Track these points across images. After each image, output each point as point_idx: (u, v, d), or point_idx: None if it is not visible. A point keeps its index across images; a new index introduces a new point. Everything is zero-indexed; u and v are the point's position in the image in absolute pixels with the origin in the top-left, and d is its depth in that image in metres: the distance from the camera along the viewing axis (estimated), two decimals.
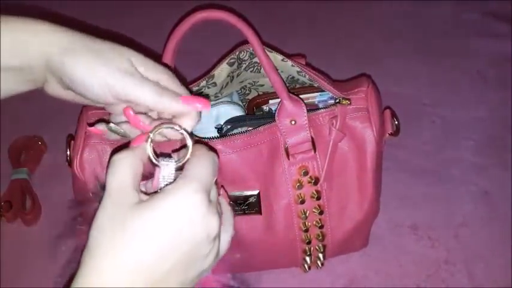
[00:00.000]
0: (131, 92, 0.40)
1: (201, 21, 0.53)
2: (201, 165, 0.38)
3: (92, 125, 0.44)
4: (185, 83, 0.46)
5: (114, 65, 0.40)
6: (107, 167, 0.38)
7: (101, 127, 0.44)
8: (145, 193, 0.39)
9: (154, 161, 0.39)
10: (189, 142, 0.40)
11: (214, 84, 0.61)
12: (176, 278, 0.36)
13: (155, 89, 0.40)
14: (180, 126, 0.41)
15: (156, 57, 0.45)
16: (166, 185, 0.38)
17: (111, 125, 0.43)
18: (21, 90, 0.42)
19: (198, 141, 0.42)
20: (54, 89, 0.43)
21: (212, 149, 0.41)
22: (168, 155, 0.41)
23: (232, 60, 0.59)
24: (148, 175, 0.40)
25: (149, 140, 0.39)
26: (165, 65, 0.46)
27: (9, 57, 0.39)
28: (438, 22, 1.03)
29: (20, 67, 0.39)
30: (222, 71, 0.59)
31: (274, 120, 0.56)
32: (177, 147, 0.44)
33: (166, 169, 0.39)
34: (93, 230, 0.35)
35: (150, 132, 0.40)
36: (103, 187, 0.37)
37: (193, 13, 0.53)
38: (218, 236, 0.38)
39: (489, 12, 1.04)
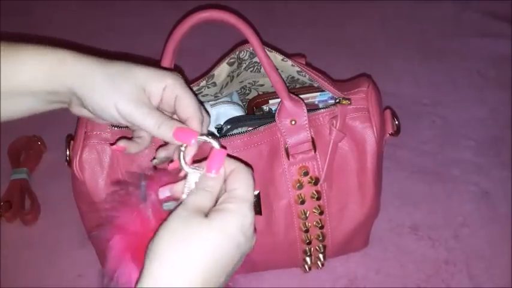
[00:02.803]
0: (135, 120, 0.45)
1: (201, 22, 0.53)
2: (247, 184, 0.42)
3: (113, 144, 0.50)
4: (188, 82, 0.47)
5: (123, 92, 0.44)
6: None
7: (122, 144, 0.49)
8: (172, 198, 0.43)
9: (184, 167, 0.43)
10: (217, 146, 0.43)
11: (214, 84, 0.61)
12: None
13: (155, 120, 0.45)
14: (207, 135, 0.45)
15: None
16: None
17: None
18: (46, 109, 0.48)
19: (231, 156, 0.45)
20: (79, 110, 0.48)
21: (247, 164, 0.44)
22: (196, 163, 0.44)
23: (232, 60, 0.59)
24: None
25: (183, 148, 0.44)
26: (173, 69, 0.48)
27: (45, 84, 0.44)
28: (438, 22, 1.03)
29: (53, 91, 0.45)
30: (222, 70, 0.59)
31: (274, 120, 0.56)
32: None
33: (192, 176, 0.43)
34: (163, 233, 0.38)
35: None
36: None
37: (193, 13, 0.53)
38: None
39: (489, 12, 1.04)
